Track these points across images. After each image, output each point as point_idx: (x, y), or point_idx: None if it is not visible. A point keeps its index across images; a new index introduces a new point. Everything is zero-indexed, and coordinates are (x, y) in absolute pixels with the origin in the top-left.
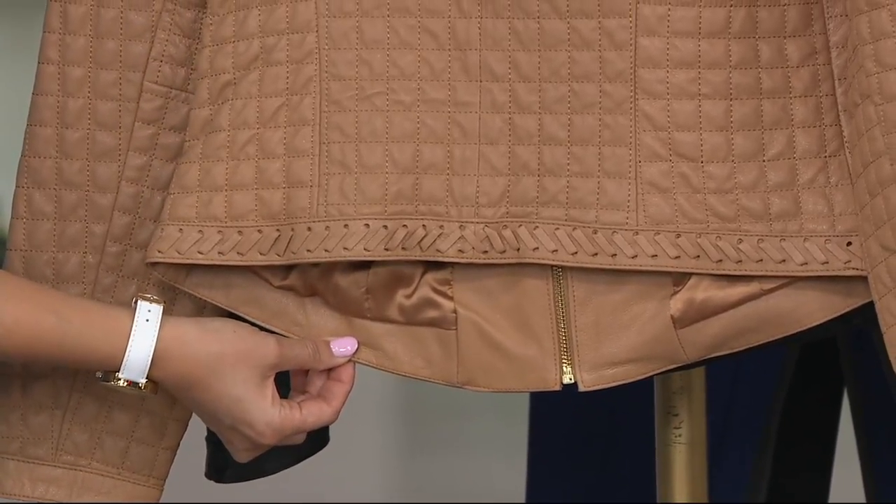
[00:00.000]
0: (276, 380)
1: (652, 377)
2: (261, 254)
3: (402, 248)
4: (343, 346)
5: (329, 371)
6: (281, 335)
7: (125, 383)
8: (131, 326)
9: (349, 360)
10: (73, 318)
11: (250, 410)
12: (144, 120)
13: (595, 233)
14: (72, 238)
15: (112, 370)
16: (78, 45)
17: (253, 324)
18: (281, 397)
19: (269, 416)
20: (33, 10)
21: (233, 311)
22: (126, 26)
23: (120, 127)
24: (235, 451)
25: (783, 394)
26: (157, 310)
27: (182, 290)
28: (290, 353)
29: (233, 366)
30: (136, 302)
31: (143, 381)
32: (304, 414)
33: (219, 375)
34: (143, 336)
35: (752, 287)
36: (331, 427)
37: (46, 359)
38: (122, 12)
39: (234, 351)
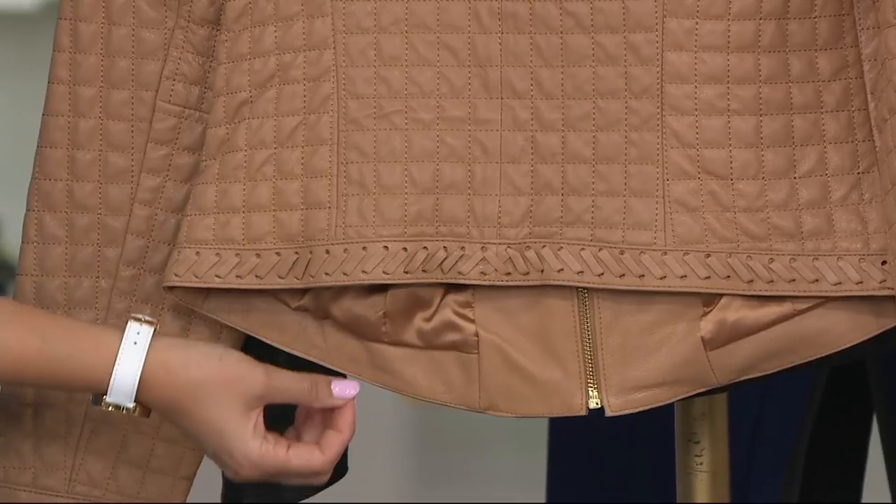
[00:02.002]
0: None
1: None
2: (279, 277)
3: (423, 271)
4: (344, 389)
5: (329, 419)
6: (275, 369)
7: (113, 407)
8: (118, 349)
9: (349, 406)
10: (59, 341)
11: (230, 440)
12: (157, 140)
13: (622, 253)
14: (84, 262)
15: (100, 393)
16: (89, 64)
17: (273, 348)
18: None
19: (248, 447)
20: (37, 28)
21: (252, 334)
22: (138, 44)
23: (132, 147)
24: (227, 474)
25: (812, 416)
26: (146, 332)
27: (200, 313)
28: (281, 385)
29: (215, 394)
30: (127, 322)
31: (131, 404)
32: (290, 455)
33: (201, 403)
34: (129, 359)
35: (785, 307)
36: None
37: (34, 381)
38: (133, 30)
39: (218, 379)
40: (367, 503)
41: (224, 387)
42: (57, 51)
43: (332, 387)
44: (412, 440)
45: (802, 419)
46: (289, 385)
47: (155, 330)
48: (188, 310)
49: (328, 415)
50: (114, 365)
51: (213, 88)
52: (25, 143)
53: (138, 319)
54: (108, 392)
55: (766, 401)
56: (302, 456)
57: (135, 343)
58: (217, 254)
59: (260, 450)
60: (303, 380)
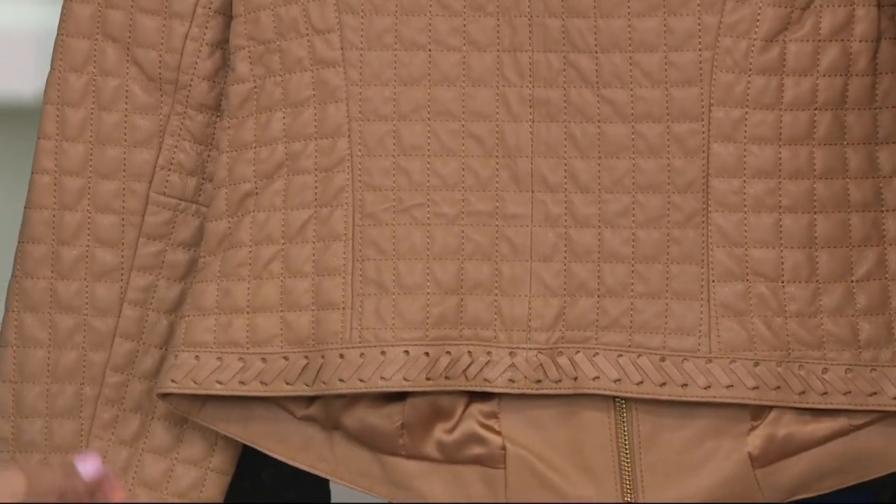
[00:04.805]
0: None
1: None
2: (287, 384)
3: (446, 378)
4: (84, 466)
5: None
6: (29, 468)
7: None
8: None
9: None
10: None
11: None
12: (150, 235)
13: (663, 360)
14: (67, 368)
15: None
16: (76, 153)
17: (275, 461)
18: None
19: None
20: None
21: (253, 445)
22: (130, 131)
23: (122, 243)
24: None
25: None
26: None
27: (193, 422)
28: (42, 481)
29: None
30: None
31: None
32: None
33: None
34: None
35: (840, 422)
36: None
37: None
38: (125, 116)
39: None
40: None
41: None
42: (41, 138)
43: (78, 468)
44: None
45: None
46: (48, 479)
47: None
48: (180, 419)
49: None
50: None
51: (213, 179)
52: (11, 246)
53: None
54: None
55: None
56: None
57: None
58: (218, 358)
59: None
60: (55, 470)
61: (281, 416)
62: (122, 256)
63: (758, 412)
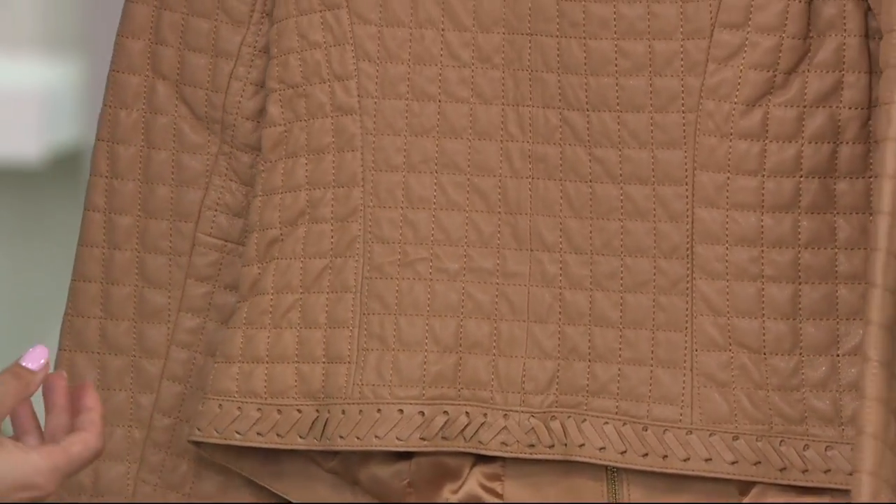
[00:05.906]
0: None
1: None
2: (300, 437)
3: (443, 438)
4: (34, 357)
5: (73, 409)
6: None
7: None
8: None
9: (84, 388)
10: None
11: (10, 472)
12: (197, 277)
13: (645, 430)
14: (116, 409)
15: None
16: (126, 191)
17: None
18: None
19: (32, 464)
20: (41, 184)
21: (288, 498)
22: (179, 171)
23: (170, 284)
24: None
25: None
26: None
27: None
28: None
29: None
30: None
31: None
32: (65, 444)
33: None
34: None
35: (824, 500)
36: None
37: None
38: (174, 155)
39: None
40: None
41: None
42: (93, 175)
43: (25, 364)
44: None
45: None
46: (2, 390)
47: None
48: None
49: (65, 405)
50: None
51: (248, 222)
52: (24, 303)
53: None
54: None
55: None
56: (76, 443)
57: None
58: (239, 408)
59: (43, 456)
60: (5, 378)
61: (311, 469)
62: (170, 297)
63: (745, 486)
